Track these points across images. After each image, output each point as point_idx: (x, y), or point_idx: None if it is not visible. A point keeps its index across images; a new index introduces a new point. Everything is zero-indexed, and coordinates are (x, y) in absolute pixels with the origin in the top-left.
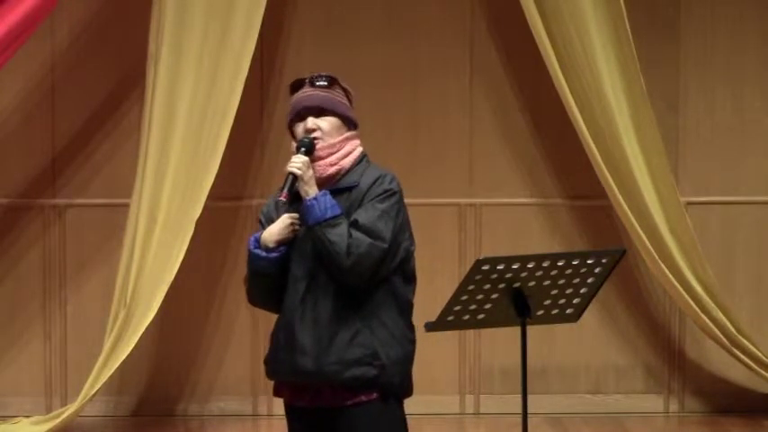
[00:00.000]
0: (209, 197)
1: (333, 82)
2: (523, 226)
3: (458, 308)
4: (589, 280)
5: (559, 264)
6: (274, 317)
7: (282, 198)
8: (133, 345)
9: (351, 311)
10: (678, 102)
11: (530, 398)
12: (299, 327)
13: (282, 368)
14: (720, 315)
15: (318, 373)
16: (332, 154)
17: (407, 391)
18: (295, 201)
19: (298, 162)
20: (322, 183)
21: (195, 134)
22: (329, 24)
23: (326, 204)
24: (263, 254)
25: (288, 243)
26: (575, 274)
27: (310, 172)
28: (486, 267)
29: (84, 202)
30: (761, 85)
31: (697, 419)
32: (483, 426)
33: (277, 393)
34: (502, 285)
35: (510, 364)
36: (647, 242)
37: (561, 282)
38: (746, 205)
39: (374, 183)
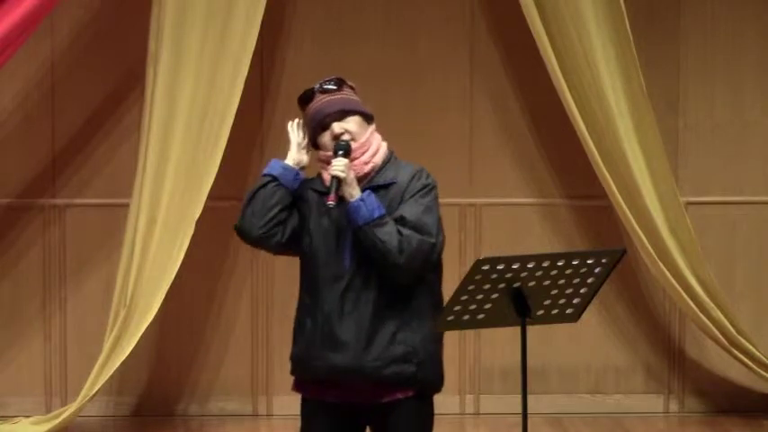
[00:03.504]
0: (209, 197)
1: (341, 83)
2: (523, 226)
3: (458, 308)
4: (589, 280)
5: (559, 264)
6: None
7: (331, 202)
8: (133, 345)
9: (390, 309)
10: (678, 102)
11: (530, 398)
12: (337, 324)
13: (318, 365)
14: (720, 315)
15: (359, 370)
16: (364, 152)
17: (440, 387)
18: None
19: (340, 165)
20: (357, 181)
21: (195, 134)
22: (329, 24)
23: (373, 204)
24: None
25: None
26: (575, 274)
27: (352, 174)
28: (486, 267)
29: (84, 202)
30: (761, 85)
31: (697, 419)
32: (483, 426)
33: (299, 388)
34: (502, 285)
35: (510, 364)
36: (646, 242)
37: (561, 282)
38: (746, 205)
39: (412, 178)
